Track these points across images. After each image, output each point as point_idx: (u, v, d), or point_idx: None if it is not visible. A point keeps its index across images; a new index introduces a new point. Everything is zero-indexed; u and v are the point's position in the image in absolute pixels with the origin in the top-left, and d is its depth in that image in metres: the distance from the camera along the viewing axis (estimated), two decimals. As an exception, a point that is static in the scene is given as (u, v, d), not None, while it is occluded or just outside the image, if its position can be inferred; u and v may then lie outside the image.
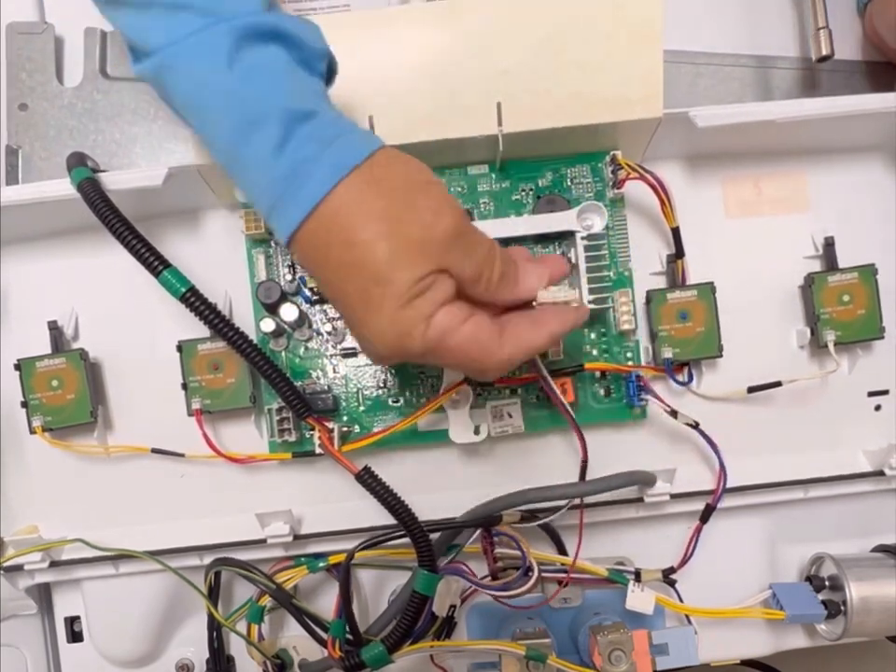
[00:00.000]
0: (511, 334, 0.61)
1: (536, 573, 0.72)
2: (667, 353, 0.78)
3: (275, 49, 0.58)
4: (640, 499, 0.79)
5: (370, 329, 0.57)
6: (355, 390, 0.79)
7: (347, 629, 0.71)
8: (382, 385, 0.79)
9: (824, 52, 0.92)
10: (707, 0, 0.96)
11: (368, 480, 0.69)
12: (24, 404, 0.78)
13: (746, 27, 0.97)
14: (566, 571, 0.78)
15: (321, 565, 0.77)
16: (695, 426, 0.77)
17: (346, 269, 0.56)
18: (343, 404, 0.79)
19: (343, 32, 0.71)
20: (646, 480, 0.76)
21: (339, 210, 0.55)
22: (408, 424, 0.75)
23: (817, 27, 0.93)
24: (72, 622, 0.85)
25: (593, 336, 0.79)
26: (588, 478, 0.75)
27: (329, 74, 0.65)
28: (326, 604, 0.74)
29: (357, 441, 0.76)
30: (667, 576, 0.80)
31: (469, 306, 0.59)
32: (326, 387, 0.79)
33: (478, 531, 0.75)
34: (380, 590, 0.82)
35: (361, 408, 0.79)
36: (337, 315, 0.79)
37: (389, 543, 0.74)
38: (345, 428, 0.76)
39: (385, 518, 0.77)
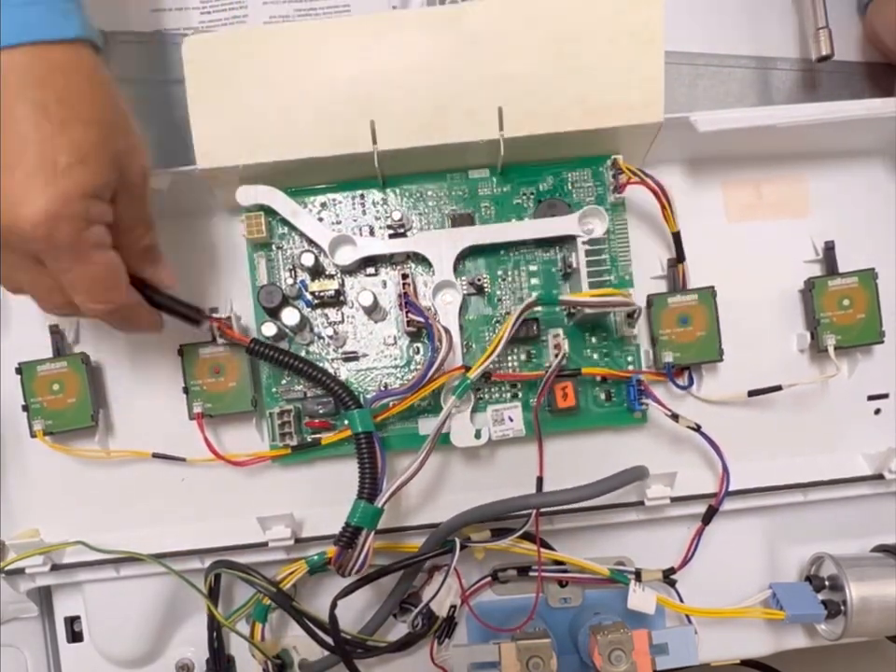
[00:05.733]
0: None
1: None
2: (668, 357, 0.78)
3: None
4: (641, 503, 0.79)
5: (27, 188, 0.54)
6: (356, 394, 0.79)
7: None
8: (383, 388, 0.79)
9: (824, 52, 0.92)
10: (706, 0, 0.95)
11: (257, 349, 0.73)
12: (25, 408, 0.78)
13: (746, 27, 0.96)
14: (566, 571, 0.79)
15: (316, 557, 0.77)
16: (697, 428, 0.77)
17: (43, 119, 0.54)
18: (345, 407, 0.79)
19: (346, 35, 0.71)
20: (640, 475, 0.75)
21: (76, 62, 0.56)
22: (412, 401, 0.75)
23: (817, 27, 0.93)
24: (72, 622, 0.85)
25: (594, 340, 0.79)
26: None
27: None
28: (325, 605, 0.74)
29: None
30: (668, 576, 0.80)
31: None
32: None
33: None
34: (371, 588, 0.81)
35: (363, 411, 0.79)
36: (338, 319, 0.79)
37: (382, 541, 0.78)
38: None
39: (385, 521, 0.78)
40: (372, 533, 0.70)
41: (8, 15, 0.53)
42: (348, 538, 0.70)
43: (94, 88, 0.57)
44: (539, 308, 0.78)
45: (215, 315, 0.75)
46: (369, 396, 0.78)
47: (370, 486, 0.71)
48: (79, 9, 0.57)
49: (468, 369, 0.76)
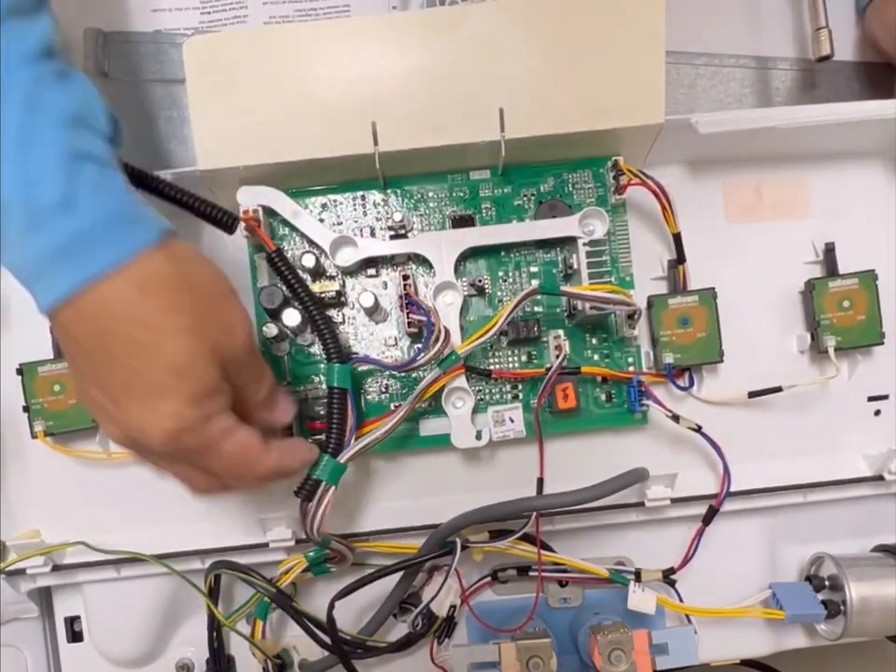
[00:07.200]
0: (276, 443, 0.65)
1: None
2: (668, 358, 0.78)
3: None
4: (641, 503, 0.79)
5: (143, 415, 0.56)
6: (356, 395, 0.79)
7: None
8: (384, 389, 0.79)
9: (824, 52, 0.92)
10: (706, 0, 0.96)
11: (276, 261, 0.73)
12: (26, 409, 0.78)
13: (746, 27, 0.97)
14: (566, 571, 0.79)
15: (314, 553, 0.77)
16: (698, 429, 0.77)
17: (133, 349, 0.54)
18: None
19: (346, 37, 0.71)
20: (640, 477, 0.76)
21: (142, 284, 0.53)
22: (409, 410, 0.73)
23: (817, 27, 0.93)
24: (72, 621, 0.85)
25: (594, 341, 0.79)
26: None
27: (116, 135, 0.60)
28: (326, 605, 0.74)
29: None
30: (667, 576, 0.80)
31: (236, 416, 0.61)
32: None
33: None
34: (371, 589, 0.81)
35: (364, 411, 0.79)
36: (339, 320, 0.79)
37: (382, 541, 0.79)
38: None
39: (385, 522, 0.78)
40: (332, 488, 0.69)
41: (80, 246, 0.52)
42: (308, 490, 0.69)
43: (178, 288, 0.56)
44: (541, 308, 0.79)
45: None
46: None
47: (335, 441, 0.70)
48: (139, 207, 0.56)
49: (468, 368, 0.76)
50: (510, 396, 0.79)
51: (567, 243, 0.78)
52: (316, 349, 0.79)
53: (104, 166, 0.53)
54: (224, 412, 0.59)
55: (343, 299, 0.78)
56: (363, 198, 0.79)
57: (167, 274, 0.55)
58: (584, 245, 0.74)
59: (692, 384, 0.81)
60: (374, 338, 0.79)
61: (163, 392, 0.55)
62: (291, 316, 0.74)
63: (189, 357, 0.55)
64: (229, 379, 0.60)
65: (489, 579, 0.82)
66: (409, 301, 0.75)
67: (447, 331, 0.73)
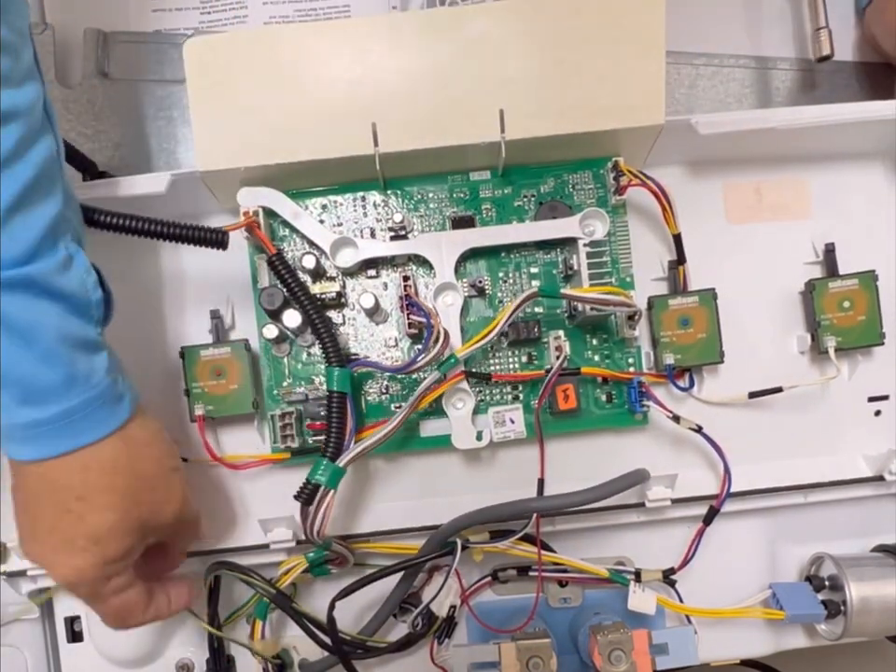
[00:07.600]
0: (155, 606, 0.69)
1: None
2: (669, 359, 0.78)
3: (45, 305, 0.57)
4: (642, 504, 0.79)
5: (52, 558, 0.62)
6: (356, 396, 0.79)
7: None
8: (384, 391, 0.79)
9: (824, 52, 0.92)
10: (706, 0, 0.96)
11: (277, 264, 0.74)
12: (27, 410, 0.77)
13: (746, 27, 0.97)
14: (566, 571, 0.79)
15: (313, 554, 0.77)
16: (698, 430, 0.77)
17: (63, 514, 0.61)
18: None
19: (346, 38, 0.71)
20: (641, 478, 0.75)
21: (86, 465, 0.60)
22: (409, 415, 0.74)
23: (817, 27, 0.93)
24: (72, 621, 0.85)
25: (595, 342, 0.79)
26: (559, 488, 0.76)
27: (107, 311, 0.64)
28: (326, 605, 0.74)
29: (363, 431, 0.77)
30: (667, 576, 0.80)
31: (133, 571, 0.66)
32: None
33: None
34: (371, 589, 0.81)
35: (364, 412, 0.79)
36: (339, 321, 0.79)
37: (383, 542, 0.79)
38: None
39: (386, 522, 0.78)
40: (332, 492, 0.70)
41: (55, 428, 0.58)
42: (308, 494, 0.70)
43: (117, 472, 0.62)
44: (541, 309, 0.79)
45: (242, 219, 0.74)
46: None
47: (334, 445, 0.71)
48: (115, 387, 0.62)
49: (468, 374, 0.76)
50: (510, 397, 0.79)
51: (568, 243, 0.78)
52: (316, 350, 0.78)
53: (93, 352, 0.60)
54: (124, 572, 0.65)
55: (343, 300, 0.78)
56: (363, 199, 0.79)
57: (112, 459, 0.61)
58: (585, 245, 0.74)
59: (692, 384, 0.81)
60: (375, 339, 0.79)
61: (77, 552, 0.61)
62: (292, 317, 0.74)
63: (108, 530, 0.61)
64: (151, 536, 0.66)
65: (489, 579, 0.82)
66: (409, 302, 0.75)
67: (446, 333, 0.73)
